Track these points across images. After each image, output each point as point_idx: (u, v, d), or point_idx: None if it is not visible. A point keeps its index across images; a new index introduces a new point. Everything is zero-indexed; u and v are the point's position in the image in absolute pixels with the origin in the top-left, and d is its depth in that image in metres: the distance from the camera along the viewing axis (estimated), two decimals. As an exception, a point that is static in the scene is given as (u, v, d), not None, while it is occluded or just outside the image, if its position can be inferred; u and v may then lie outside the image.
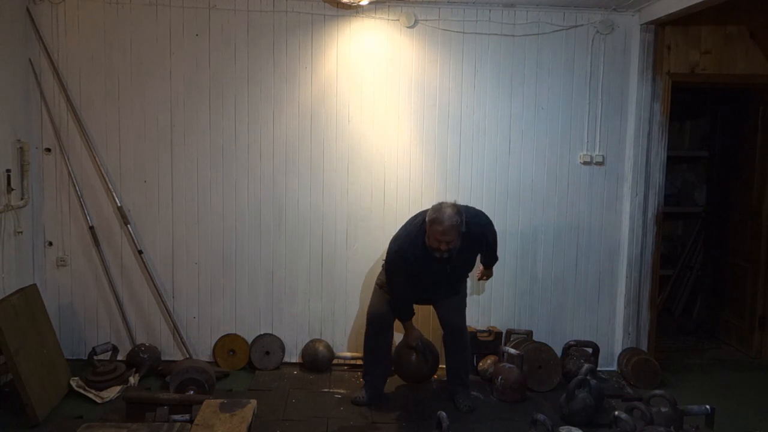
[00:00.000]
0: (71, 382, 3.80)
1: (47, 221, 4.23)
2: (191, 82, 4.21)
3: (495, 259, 3.98)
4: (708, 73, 4.33)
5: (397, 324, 3.89)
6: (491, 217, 3.80)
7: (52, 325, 3.97)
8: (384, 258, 3.77)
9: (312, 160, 4.31)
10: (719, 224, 5.43)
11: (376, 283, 3.89)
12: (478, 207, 3.89)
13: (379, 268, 3.90)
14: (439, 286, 3.74)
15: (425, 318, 4.33)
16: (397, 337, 4.06)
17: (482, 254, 3.91)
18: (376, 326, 3.80)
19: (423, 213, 3.59)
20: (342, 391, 3.99)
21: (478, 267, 4.00)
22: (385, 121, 4.30)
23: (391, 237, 3.73)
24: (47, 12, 4.10)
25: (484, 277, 4.09)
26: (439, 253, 3.43)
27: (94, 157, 4.19)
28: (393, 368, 4.08)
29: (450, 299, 3.81)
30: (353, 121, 4.29)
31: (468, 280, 3.97)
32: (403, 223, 3.75)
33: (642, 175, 4.36)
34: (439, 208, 3.41)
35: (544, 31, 4.30)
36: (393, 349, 4.07)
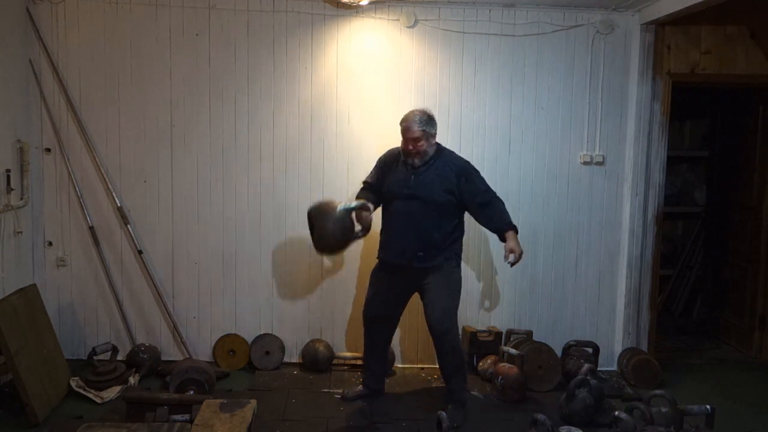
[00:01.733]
0: (71, 382, 3.80)
1: (47, 221, 4.22)
2: (191, 81, 4.21)
3: (507, 220, 3.58)
4: (708, 73, 4.33)
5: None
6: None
7: (51, 325, 3.96)
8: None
9: (312, 160, 4.31)
10: (719, 224, 5.43)
11: (370, 280, 3.83)
12: None
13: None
14: (407, 207, 3.56)
15: (414, 317, 4.33)
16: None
17: (479, 213, 3.61)
18: (370, 320, 3.77)
19: None
20: (342, 391, 3.99)
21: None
22: (385, 121, 4.29)
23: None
24: (47, 12, 4.10)
25: (510, 255, 3.50)
26: (410, 158, 3.56)
27: (94, 157, 4.19)
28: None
29: (437, 296, 3.55)
30: (353, 120, 4.29)
31: (459, 269, 3.71)
32: None
33: (642, 175, 4.36)
34: (410, 110, 3.61)
35: (544, 31, 4.30)
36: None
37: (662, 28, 4.27)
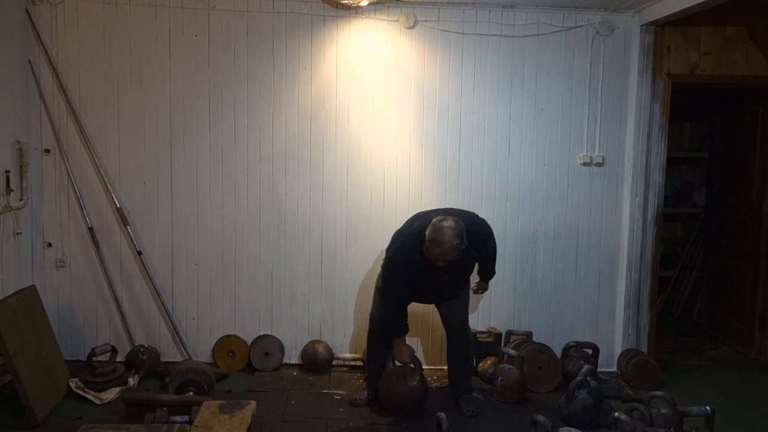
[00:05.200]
0: (70, 384, 3.79)
1: (46, 222, 4.22)
2: (191, 82, 4.21)
3: (492, 272, 3.88)
4: (708, 74, 4.33)
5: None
6: (491, 218, 3.81)
7: (51, 326, 3.96)
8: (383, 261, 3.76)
9: (311, 161, 4.31)
10: (719, 225, 5.43)
11: (376, 286, 3.85)
12: (477, 208, 3.89)
13: (380, 270, 3.88)
14: (437, 293, 3.70)
15: (425, 315, 4.33)
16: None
17: (480, 265, 3.79)
18: (378, 327, 3.79)
19: (420, 217, 3.52)
20: (341, 392, 3.99)
21: (474, 279, 3.88)
22: (384, 122, 4.30)
23: (390, 237, 3.71)
24: (46, 13, 4.10)
25: (480, 291, 3.94)
26: (436, 266, 3.38)
27: (94, 158, 4.18)
28: (378, 400, 3.77)
29: (452, 299, 3.77)
30: (353, 122, 4.29)
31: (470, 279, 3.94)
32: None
33: (642, 176, 4.36)
34: (440, 228, 3.26)
35: (544, 32, 4.30)
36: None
37: (662, 29, 4.27)
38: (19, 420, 3.42)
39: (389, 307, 3.58)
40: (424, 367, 4.34)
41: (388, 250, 3.58)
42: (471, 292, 3.87)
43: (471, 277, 3.83)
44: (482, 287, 3.94)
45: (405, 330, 3.62)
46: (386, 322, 3.63)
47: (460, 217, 3.38)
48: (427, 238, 3.30)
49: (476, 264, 3.75)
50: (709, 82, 4.42)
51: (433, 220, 3.33)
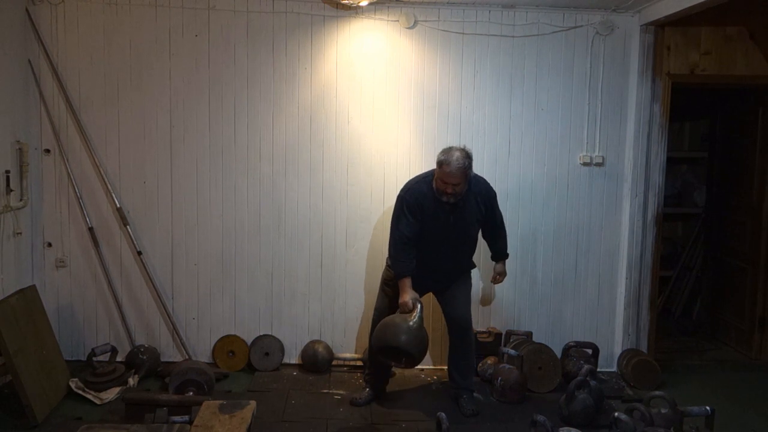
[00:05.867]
0: (70, 383, 3.80)
1: (46, 222, 4.22)
2: (191, 82, 4.21)
3: (505, 249, 3.96)
4: (708, 74, 4.33)
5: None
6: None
7: (51, 326, 3.96)
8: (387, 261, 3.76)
9: (311, 161, 4.31)
10: (719, 225, 5.42)
11: (381, 282, 3.84)
12: None
13: (382, 268, 3.87)
14: (444, 243, 3.62)
15: (426, 316, 4.32)
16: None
17: (488, 233, 3.87)
18: None
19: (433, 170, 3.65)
20: (341, 392, 3.99)
21: (490, 273, 3.99)
22: (384, 122, 4.30)
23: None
24: (46, 13, 4.10)
25: (498, 277, 4.01)
26: (446, 197, 3.47)
27: (94, 158, 4.18)
28: (378, 337, 3.54)
29: (456, 292, 3.74)
30: (353, 121, 4.29)
31: (473, 279, 3.93)
32: None
33: (642, 176, 4.36)
34: (448, 150, 3.47)
35: (544, 32, 4.30)
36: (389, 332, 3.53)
37: (662, 29, 4.27)
38: (19, 420, 3.42)
39: (396, 243, 3.61)
40: (423, 367, 4.37)
41: (401, 190, 3.68)
42: (490, 282, 4.08)
43: (478, 277, 3.83)
44: (499, 271, 4.00)
45: (410, 268, 3.57)
46: (392, 261, 3.66)
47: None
48: (437, 162, 3.49)
49: (478, 228, 3.76)
50: (709, 82, 4.42)
51: (443, 148, 3.54)
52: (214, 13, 4.18)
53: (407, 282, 3.56)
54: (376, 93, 4.28)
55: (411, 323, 3.43)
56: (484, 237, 3.92)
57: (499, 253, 3.99)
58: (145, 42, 4.16)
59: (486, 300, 4.44)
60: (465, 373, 3.83)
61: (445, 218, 3.56)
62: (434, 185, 3.52)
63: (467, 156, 3.46)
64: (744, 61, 4.33)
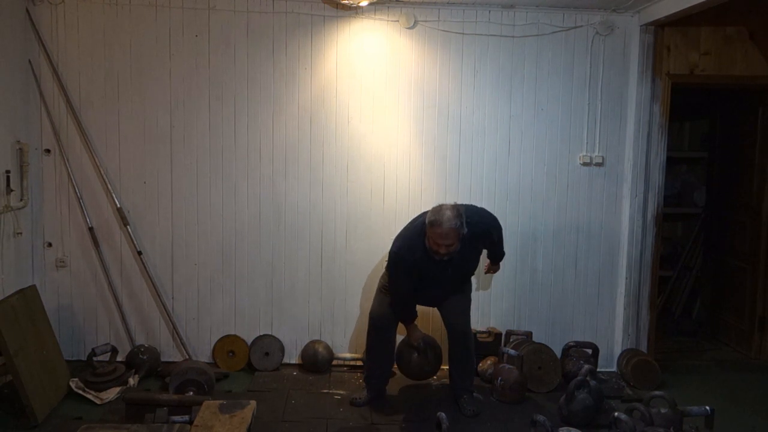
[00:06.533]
0: (71, 383, 3.80)
1: (47, 222, 4.22)
2: (191, 83, 4.21)
3: (502, 254, 3.96)
4: (707, 74, 4.33)
5: (401, 325, 3.88)
6: (492, 218, 3.80)
7: (51, 326, 3.96)
8: (386, 260, 3.76)
9: (311, 161, 4.31)
10: (719, 225, 5.43)
11: (378, 286, 3.87)
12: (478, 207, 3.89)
13: (381, 270, 3.89)
14: (441, 287, 3.71)
15: (426, 317, 4.32)
16: (400, 337, 4.05)
17: (488, 250, 3.91)
18: (378, 327, 3.79)
19: (424, 214, 3.56)
20: (342, 392, 3.99)
21: (485, 261, 3.99)
22: (384, 122, 4.30)
23: (390, 238, 3.72)
24: (47, 13, 4.10)
25: (491, 271, 4.08)
26: (438, 256, 3.41)
27: (94, 158, 4.19)
28: (396, 365, 4.07)
29: (454, 300, 3.78)
30: (353, 121, 4.29)
31: (473, 279, 3.96)
32: (405, 224, 3.74)
33: (641, 176, 4.36)
34: (438, 210, 3.36)
35: (544, 32, 4.30)
36: (396, 347, 4.02)
37: (661, 30, 4.28)
38: (20, 420, 3.42)
39: (397, 299, 3.69)
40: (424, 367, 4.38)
41: (392, 246, 3.60)
42: (483, 273, 4.09)
43: (477, 271, 3.85)
44: (494, 268, 4.07)
45: (413, 317, 3.82)
46: (395, 312, 3.74)
47: (466, 210, 3.46)
48: (426, 223, 3.40)
49: (481, 255, 3.82)
50: (708, 82, 4.42)
51: (433, 207, 3.45)
52: (214, 13, 4.18)
53: (413, 325, 3.87)
54: (376, 93, 4.28)
55: (425, 365, 4.03)
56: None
57: (495, 257, 4.00)
58: (145, 42, 4.17)
59: (486, 299, 4.44)
60: (465, 374, 3.84)
61: (442, 270, 3.54)
62: (427, 244, 3.42)
63: (458, 215, 3.34)
64: (743, 61, 4.33)
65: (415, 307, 3.79)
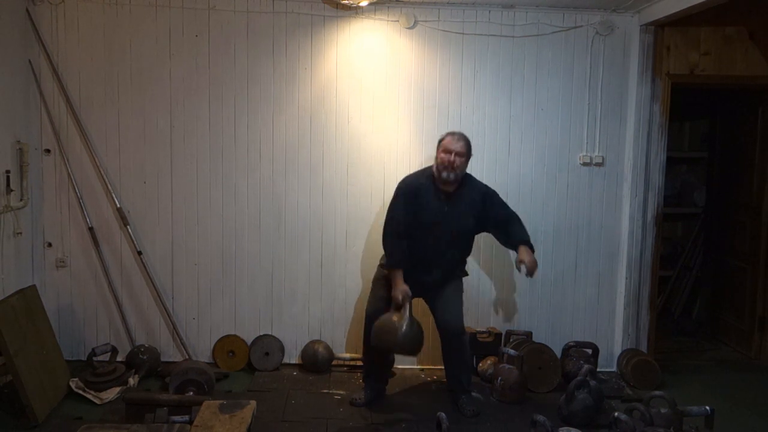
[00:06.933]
0: (71, 383, 3.80)
1: (47, 222, 4.22)
2: (191, 83, 4.21)
3: (525, 233, 3.72)
4: (707, 74, 4.33)
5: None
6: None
7: (51, 326, 3.96)
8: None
9: (311, 161, 4.31)
10: (719, 225, 5.43)
11: (373, 278, 3.85)
12: None
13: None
14: (434, 237, 3.63)
15: (425, 319, 4.32)
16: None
17: (501, 229, 3.76)
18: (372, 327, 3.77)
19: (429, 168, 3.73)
20: (342, 392, 3.99)
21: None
22: (384, 122, 4.30)
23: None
24: (47, 13, 4.10)
25: (524, 263, 3.60)
26: (446, 171, 3.52)
27: (94, 158, 4.19)
28: (376, 341, 3.61)
29: (446, 296, 3.72)
30: (353, 121, 4.29)
31: (468, 279, 3.96)
32: None
33: (641, 176, 4.36)
34: (451, 131, 3.68)
35: (544, 32, 4.30)
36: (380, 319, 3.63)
37: (661, 30, 4.28)
38: (19, 420, 3.42)
39: (389, 232, 3.67)
40: (423, 367, 4.38)
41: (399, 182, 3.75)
42: (521, 273, 3.69)
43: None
44: (521, 259, 3.62)
45: (402, 260, 3.62)
46: (385, 250, 3.71)
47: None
48: (438, 142, 3.65)
49: (474, 230, 3.77)
50: (708, 82, 4.42)
51: None
52: (214, 13, 4.18)
53: (399, 274, 3.61)
54: (376, 93, 4.28)
55: (403, 327, 3.48)
56: (497, 238, 3.85)
57: (516, 238, 3.71)
58: (145, 42, 4.17)
59: (485, 299, 4.44)
60: (461, 374, 3.81)
61: (440, 207, 3.61)
62: (434, 169, 3.61)
63: (468, 139, 3.65)
64: (743, 61, 4.33)
65: (405, 250, 3.60)
